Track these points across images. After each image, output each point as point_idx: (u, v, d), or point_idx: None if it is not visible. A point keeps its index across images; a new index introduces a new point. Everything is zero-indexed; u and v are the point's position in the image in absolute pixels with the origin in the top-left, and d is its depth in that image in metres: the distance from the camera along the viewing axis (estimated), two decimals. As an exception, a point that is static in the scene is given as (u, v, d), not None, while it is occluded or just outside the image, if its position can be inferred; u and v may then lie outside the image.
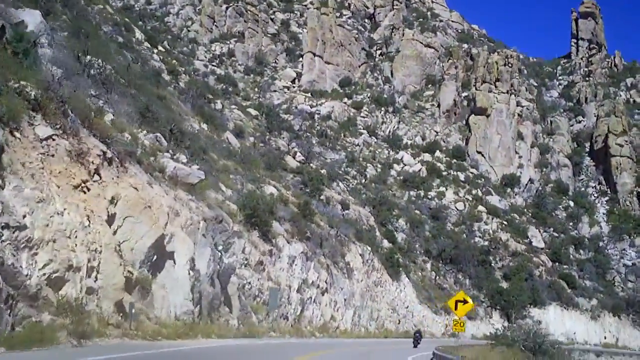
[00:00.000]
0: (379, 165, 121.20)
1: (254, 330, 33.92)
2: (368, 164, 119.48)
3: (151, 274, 24.99)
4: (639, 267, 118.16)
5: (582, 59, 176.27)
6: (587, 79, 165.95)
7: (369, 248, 67.87)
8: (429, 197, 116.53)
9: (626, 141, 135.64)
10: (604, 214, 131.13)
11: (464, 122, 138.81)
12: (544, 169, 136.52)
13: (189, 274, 26.94)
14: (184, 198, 31.30)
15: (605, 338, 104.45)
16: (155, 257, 25.12)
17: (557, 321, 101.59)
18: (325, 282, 50.15)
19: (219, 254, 32.97)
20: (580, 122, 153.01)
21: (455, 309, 35.62)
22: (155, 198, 26.44)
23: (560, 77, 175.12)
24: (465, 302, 35.22)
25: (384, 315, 67.33)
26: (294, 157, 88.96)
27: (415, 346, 46.13)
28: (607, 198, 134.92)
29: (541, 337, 43.33)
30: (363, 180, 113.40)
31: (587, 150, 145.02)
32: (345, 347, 37.19)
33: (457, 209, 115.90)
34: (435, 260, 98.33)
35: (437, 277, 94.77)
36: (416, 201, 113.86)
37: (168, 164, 32.98)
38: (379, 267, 68.61)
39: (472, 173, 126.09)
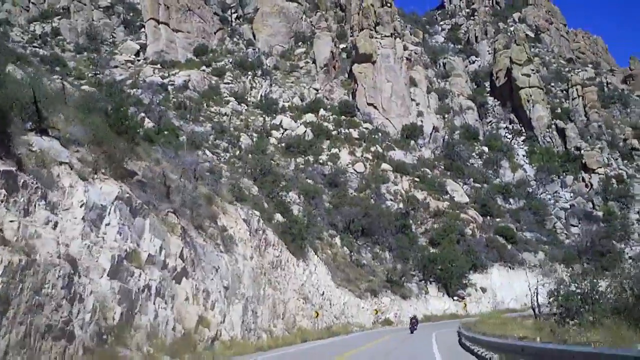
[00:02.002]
0: (255, 134, 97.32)
1: None
2: (241, 134, 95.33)
3: None
4: (578, 208, 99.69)
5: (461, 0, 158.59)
6: (472, 17, 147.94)
7: (258, 214, 43.71)
8: (321, 161, 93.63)
9: (532, 70, 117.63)
10: (524, 155, 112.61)
11: (347, 75, 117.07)
12: (447, 115, 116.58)
13: None
14: None
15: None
16: None
17: (504, 286, 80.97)
18: (182, 258, 25.80)
19: None
20: (474, 62, 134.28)
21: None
22: None
23: (441, 23, 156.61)
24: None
25: (294, 308, 43.44)
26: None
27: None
28: (523, 137, 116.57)
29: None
30: (237, 152, 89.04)
31: (489, 90, 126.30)
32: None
33: (357, 172, 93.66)
34: (345, 234, 75.36)
35: (352, 254, 71.73)
36: (306, 168, 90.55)
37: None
38: (275, 241, 44.63)
39: (366, 129, 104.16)
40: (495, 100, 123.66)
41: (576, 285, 28.87)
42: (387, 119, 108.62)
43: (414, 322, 48.09)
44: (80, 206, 20.17)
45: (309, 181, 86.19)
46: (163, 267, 24.36)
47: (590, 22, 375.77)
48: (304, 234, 55.86)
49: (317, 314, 47.04)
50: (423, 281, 74.32)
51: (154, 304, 22.56)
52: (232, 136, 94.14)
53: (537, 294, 38.33)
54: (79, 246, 19.20)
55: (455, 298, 75.64)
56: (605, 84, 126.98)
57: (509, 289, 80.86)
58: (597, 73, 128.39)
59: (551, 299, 29.84)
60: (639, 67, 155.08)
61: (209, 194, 35.81)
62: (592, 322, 25.08)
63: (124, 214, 22.49)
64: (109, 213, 21.72)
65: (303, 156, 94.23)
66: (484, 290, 78.99)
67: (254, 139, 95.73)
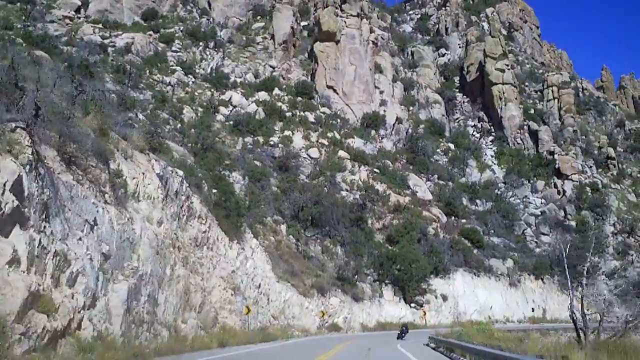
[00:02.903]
0: (200, 109, 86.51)
1: None
2: (185, 106, 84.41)
3: None
4: (550, 215, 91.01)
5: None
6: (443, 8, 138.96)
7: (181, 174, 33.14)
8: (271, 143, 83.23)
9: (507, 65, 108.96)
10: (492, 156, 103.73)
11: (307, 55, 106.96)
12: (412, 108, 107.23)
13: None
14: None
15: (533, 311, 75.49)
16: None
17: (468, 294, 71.65)
18: (17, 193, 15.31)
19: None
20: (443, 55, 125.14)
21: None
22: None
23: (410, 12, 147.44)
24: None
25: (218, 300, 33.01)
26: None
27: None
28: (492, 137, 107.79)
29: None
30: (179, 126, 77.98)
31: (458, 85, 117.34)
32: None
33: (311, 157, 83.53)
34: (293, 222, 65.13)
35: (299, 244, 61.49)
36: (254, 149, 79.98)
37: None
38: (203, 213, 34.28)
39: (323, 113, 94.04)
40: (465, 96, 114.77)
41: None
42: (347, 104, 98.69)
43: (404, 330, 44.00)
44: None
45: (257, 163, 75.77)
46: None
47: (557, 34, 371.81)
48: (243, 211, 45.58)
49: (249, 310, 36.89)
50: (378, 282, 64.38)
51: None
52: (174, 107, 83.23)
53: (582, 301, 28.55)
54: None
55: (413, 305, 65.92)
56: (580, 89, 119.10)
57: (472, 298, 71.56)
58: (572, 78, 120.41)
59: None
60: (609, 78, 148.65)
61: (104, 128, 25.10)
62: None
63: None
64: None
65: (252, 136, 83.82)
66: (444, 298, 69.45)
67: (199, 114, 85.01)
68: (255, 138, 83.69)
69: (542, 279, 78.71)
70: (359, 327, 56.46)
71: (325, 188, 75.72)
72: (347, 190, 79.21)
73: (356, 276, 60.80)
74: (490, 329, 35.67)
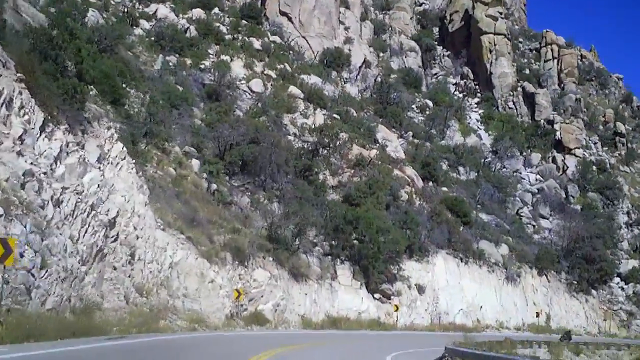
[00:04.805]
0: (114, 18, 63.78)
1: None
2: (91, 9, 61.53)
3: None
4: (550, 195, 71.54)
5: None
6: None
7: None
8: (201, 67, 61.55)
9: (501, 13, 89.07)
10: (477, 120, 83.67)
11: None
12: (382, 54, 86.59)
13: None
14: None
15: (537, 316, 55.41)
16: None
17: (452, 287, 51.37)
18: None
19: None
20: (421, 4, 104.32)
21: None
22: None
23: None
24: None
25: None
26: None
27: None
28: (477, 100, 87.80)
29: None
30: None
31: (437, 37, 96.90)
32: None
33: (252, 90, 62.20)
34: (216, 160, 44.15)
35: (217, 187, 40.24)
36: (179, 72, 57.93)
37: None
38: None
39: (273, 42, 72.62)
40: (445, 50, 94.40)
41: None
42: (303, 37, 77.43)
43: None
44: None
45: (179, 86, 54.03)
46: None
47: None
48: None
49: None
50: (330, 257, 43.37)
51: None
52: (78, 10, 60.51)
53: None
54: None
55: (378, 296, 45.18)
56: (579, 57, 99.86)
57: (458, 293, 51.36)
58: (569, 44, 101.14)
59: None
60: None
61: None
62: None
63: None
64: None
65: (178, 55, 62.01)
66: (421, 289, 48.87)
67: (111, 22, 62.34)
68: (182, 58, 61.97)
69: (546, 275, 58.81)
70: (298, 322, 35.59)
71: (269, 128, 54.45)
72: (295, 136, 58.30)
73: (298, 241, 39.81)
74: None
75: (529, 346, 35.12)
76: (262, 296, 32.51)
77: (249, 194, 45.83)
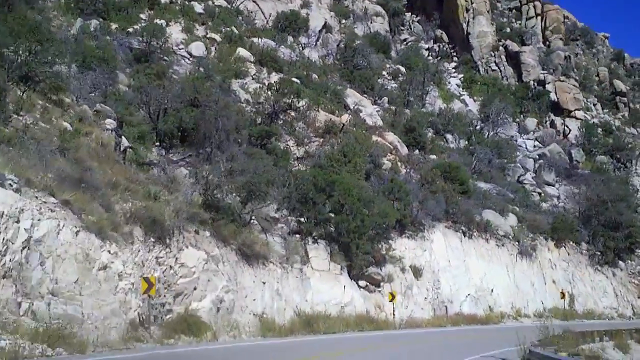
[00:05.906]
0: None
1: None
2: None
3: None
4: (554, 159, 61.69)
5: None
6: None
7: None
8: (129, 31, 50.54)
9: (476, -32, 79.33)
10: (458, 85, 73.62)
11: None
12: (345, 21, 76.27)
13: None
14: None
15: (562, 297, 45.03)
16: None
17: (455, 267, 40.64)
18: None
19: None
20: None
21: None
22: None
23: None
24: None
25: None
26: None
27: None
28: (454, 64, 77.83)
29: None
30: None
31: (406, 2, 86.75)
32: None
33: (192, 55, 51.34)
34: (146, 130, 33.54)
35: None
36: (102, 36, 46.87)
37: None
38: None
39: (218, 6, 61.89)
40: (415, 15, 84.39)
41: None
42: (254, 0, 66.99)
43: None
44: None
45: (100, 51, 42.90)
46: None
47: None
48: None
49: None
50: (300, 235, 32.50)
51: None
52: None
53: None
54: None
55: (364, 284, 34.41)
56: (562, 17, 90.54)
57: (463, 274, 40.77)
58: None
59: None
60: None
61: None
62: None
63: None
64: None
65: (101, 19, 50.96)
66: (417, 272, 38.26)
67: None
68: (105, 23, 50.91)
69: (565, 247, 48.62)
70: (255, 326, 24.61)
71: (216, 94, 43.44)
72: (248, 103, 47.61)
73: (250, 208, 28.99)
74: None
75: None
76: (194, 288, 21.54)
77: (191, 166, 35.05)
